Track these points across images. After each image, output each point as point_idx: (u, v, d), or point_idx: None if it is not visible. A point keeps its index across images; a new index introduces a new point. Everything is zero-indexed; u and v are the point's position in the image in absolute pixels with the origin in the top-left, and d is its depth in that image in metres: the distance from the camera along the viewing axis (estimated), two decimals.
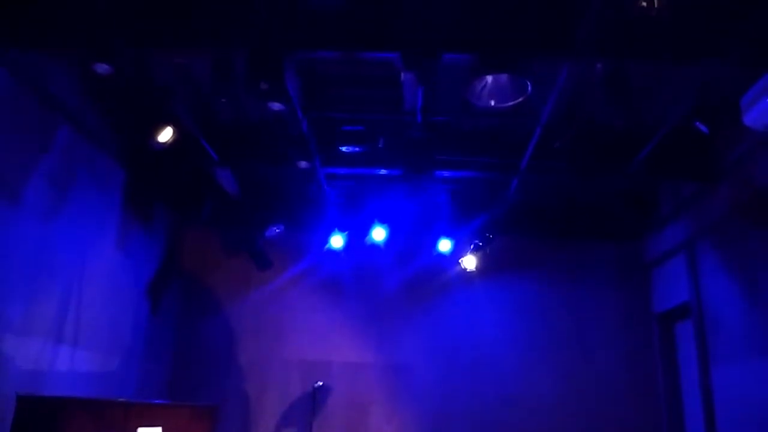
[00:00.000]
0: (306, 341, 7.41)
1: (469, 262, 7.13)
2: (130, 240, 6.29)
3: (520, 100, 4.36)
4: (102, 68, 3.99)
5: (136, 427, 4.55)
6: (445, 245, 7.12)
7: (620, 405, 7.00)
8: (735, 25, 3.89)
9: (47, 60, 4.67)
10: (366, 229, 7.01)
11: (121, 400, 5.27)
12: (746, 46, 3.89)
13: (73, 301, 5.31)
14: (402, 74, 4.61)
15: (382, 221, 6.95)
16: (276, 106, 4.51)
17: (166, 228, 7.19)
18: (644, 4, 3.06)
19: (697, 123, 4.46)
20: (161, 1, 4.09)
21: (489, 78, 4.27)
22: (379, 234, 6.95)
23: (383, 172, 6.24)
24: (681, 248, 6.39)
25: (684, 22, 3.79)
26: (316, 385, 6.56)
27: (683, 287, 6.28)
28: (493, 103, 4.42)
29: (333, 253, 7.26)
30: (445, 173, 6.16)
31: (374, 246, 7.15)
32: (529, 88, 4.21)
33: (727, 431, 5.42)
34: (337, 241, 7.11)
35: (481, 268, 7.19)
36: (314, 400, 6.53)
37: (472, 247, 7.09)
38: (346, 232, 7.13)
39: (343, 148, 5.55)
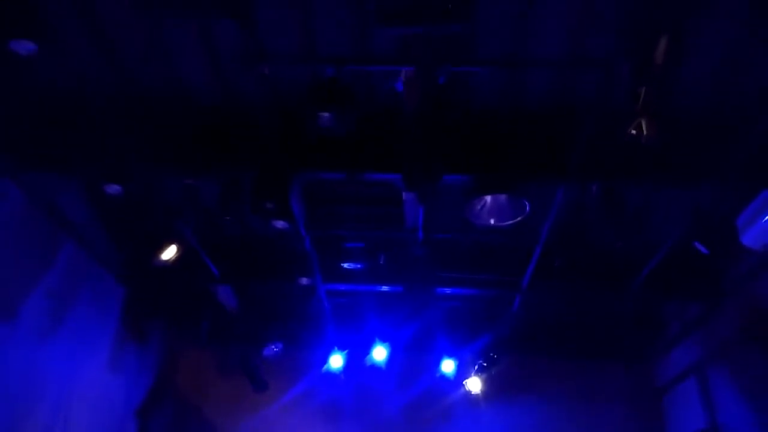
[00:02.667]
0: None
1: (474, 384, 6.87)
2: (123, 358, 6.12)
3: (519, 219, 4.43)
4: (113, 189, 4.10)
5: None
6: (448, 366, 6.90)
7: None
8: (725, 147, 4.05)
9: (60, 181, 4.82)
10: (366, 348, 6.83)
11: None
12: (737, 168, 4.02)
13: (59, 424, 5.06)
14: (403, 193, 4.73)
15: (383, 340, 6.79)
16: (280, 224, 4.58)
17: (162, 346, 7.02)
18: (633, 132, 3.21)
19: (696, 243, 4.49)
20: (174, 126, 4.30)
21: (488, 198, 4.38)
22: (379, 353, 6.76)
23: (384, 288, 6.20)
24: (691, 372, 6.18)
25: (675, 147, 3.94)
26: None
27: (698, 414, 5.99)
28: (492, 221, 4.49)
29: (332, 374, 7.01)
30: (447, 290, 6.11)
31: (375, 366, 6.91)
32: (528, 207, 4.30)
33: None
34: (336, 360, 6.90)
35: (487, 391, 6.91)
36: None
37: (476, 368, 6.86)
38: (346, 351, 6.94)
39: (345, 265, 5.55)
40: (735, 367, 5.40)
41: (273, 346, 6.77)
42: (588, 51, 3.69)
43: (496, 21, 3.51)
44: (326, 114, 3.58)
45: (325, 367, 6.95)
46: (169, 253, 5.05)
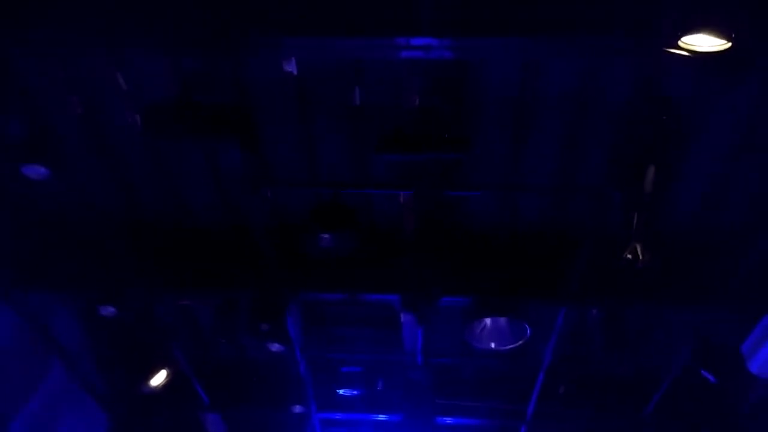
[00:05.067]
0: None
1: None
2: None
3: (520, 343, 4.35)
4: (107, 311, 4.06)
5: None
6: None
7: None
8: (722, 268, 4.06)
9: (54, 303, 4.77)
10: None
11: None
12: (736, 290, 4.01)
13: None
14: (401, 315, 4.67)
15: None
16: (275, 347, 4.48)
17: None
18: (629, 256, 3.25)
19: (703, 371, 4.37)
20: (170, 246, 4.32)
21: (488, 320, 4.33)
22: None
23: (382, 417, 5.92)
24: None
25: (672, 270, 3.96)
26: None
27: None
28: (493, 345, 4.41)
29: None
30: (448, 419, 5.84)
31: None
32: (528, 331, 4.24)
33: None
34: None
35: None
36: None
37: None
38: None
39: (341, 391, 5.35)
40: None
41: None
42: (579, 179, 3.81)
43: (491, 151, 3.66)
44: (327, 235, 3.63)
45: None
46: (158, 379, 4.89)
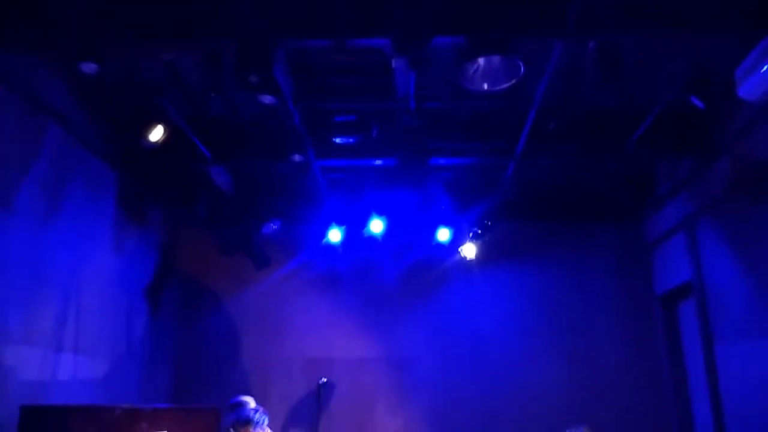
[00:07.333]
0: (307, 338, 7.36)
1: (469, 250, 7.09)
2: (125, 242, 6.23)
3: (514, 81, 4.32)
4: (89, 68, 3.91)
5: None
6: (443, 235, 7.08)
7: (625, 386, 6.99)
8: None
9: (34, 63, 4.60)
10: (363, 222, 6.96)
11: (125, 406, 5.21)
12: (740, 14, 3.84)
13: (72, 308, 5.25)
14: (393, 61, 4.55)
15: (380, 213, 6.90)
16: (267, 99, 4.45)
17: (162, 229, 7.13)
18: None
19: (693, 98, 4.42)
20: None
21: (481, 61, 4.23)
22: (376, 226, 6.90)
23: (378, 162, 6.19)
24: (681, 227, 6.36)
25: None
26: (320, 381, 6.51)
27: (684, 266, 6.25)
28: (486, 86, 4.37)
29: (331, 247, 7.21)
30: (441, 160, 6.11)
31: (372, 238, 7.10)
32: (522, 69, 4.17)
33: (732, 409, 5.40)
34: (334, 235, 7.06)
35: (481, 256, 7.15)
36: (319, 397, 6.49)
37: (471, 235, 7.05)
38: (344, 226, 7.08)
39: (337, 140, 5.49)
40: (724, 222, 5.55)
41: (271, 224, 6.90)
42: None
43: None
44: None
45: (324, 241, 7.12)
46: (157, 134, 4.95)
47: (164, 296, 6.99)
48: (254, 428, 5.05)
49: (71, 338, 5.22)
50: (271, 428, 5.35)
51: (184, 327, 7.36)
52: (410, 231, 7.32)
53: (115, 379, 5.89)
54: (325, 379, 6.60)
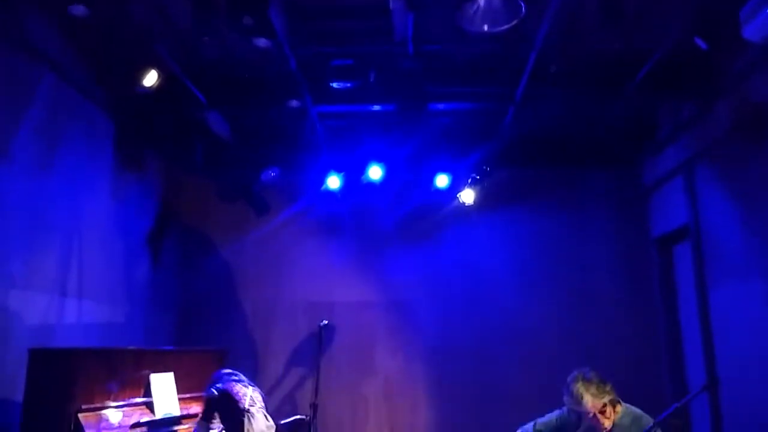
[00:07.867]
0: (308, 282, 7.47)
1: (467, 196, 7.11)
2: (124, 190, 6.24)
3: (515, 22, 4.22)
4: (78, 10, 3.83)
5: (149, 374, 4.63)
6: (442, 180, 7.08)
7: (620, 328, 7.13)
8: None
9: (24, 8, 4.48)
10: (362, 169, 6.95)
11: (132, 348, 5.35)
12: None
13: (74, 254, 5.31)
14: (391, 1, 4.44)
15: (378, 159, 6.88)
16: (262, 42, 4.37)
17: (161, 176, 7.12)
18: None
19: (696, 39, 4.33)
20: None
21: (481, 1, 4.13)
22: (375, 172, 6.90)
23: (376, 108, 6.12)
24: (679, 170, 6.35)
25: None
26: (321, 323, 6.66)
27: (681, 210, 6.28)
28: (486, 27, 4.28)
29: (330, 193, 7.22)
30: (440, 106, 6.05)
31: (371, 184, 7.10)
32: (523, 9, 4.07)
33: (724, 351, 5.54)
34: (333, 181, 7.06)
35: (479, 202, 7.17)
36: (320, 338, 6.64)
37: (469, 181, 7.05)
38: (343, 173, 7.07)
39: (334, 84, 5.41)
40: (723, 166, 5.53)
41: (270, 171, 6.89)
42: None
43: None
44: None
45: (323, 187, 7.13)
46: (151, 79, 4.89)
47: (165, 243, 7.05)
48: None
49: (75, 283, 5.30)
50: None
51: (186, 273, 7.45)
52: (409, 177, 7.32)
53: (119, 323, 6.01)
54: (326, 322, 6.73)
